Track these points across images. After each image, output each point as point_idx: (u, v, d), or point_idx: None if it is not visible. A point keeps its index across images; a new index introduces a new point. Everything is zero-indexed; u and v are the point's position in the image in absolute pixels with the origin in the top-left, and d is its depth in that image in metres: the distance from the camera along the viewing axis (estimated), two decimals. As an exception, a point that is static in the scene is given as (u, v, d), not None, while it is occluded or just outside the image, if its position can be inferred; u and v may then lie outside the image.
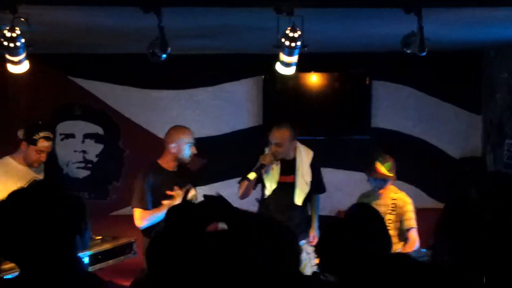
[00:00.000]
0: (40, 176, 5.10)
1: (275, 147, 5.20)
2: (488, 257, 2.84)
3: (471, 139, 7.40)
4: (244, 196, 5.25)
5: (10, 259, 2.21)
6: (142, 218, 4.75)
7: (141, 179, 4.82)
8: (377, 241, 2.96)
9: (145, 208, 4.76)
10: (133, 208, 4.83)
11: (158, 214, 4.61)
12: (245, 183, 5.21)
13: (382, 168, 4.99)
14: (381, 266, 2.50)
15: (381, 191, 5.07)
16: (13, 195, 2.17)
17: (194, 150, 4.87)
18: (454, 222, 3.13)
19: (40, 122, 5.20)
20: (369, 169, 5.06)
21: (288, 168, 5.28)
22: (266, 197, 5.32)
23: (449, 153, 7.38)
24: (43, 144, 4.91)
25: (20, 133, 4.95)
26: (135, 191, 4.82)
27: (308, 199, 5.35)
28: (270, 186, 5.29)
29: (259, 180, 5.33)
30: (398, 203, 5.07)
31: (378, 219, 3.09)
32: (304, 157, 5.31)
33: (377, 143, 6.79)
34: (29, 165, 4.97)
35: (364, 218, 3.04)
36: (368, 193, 5.21)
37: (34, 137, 4.88)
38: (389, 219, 4.95)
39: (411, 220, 5.03)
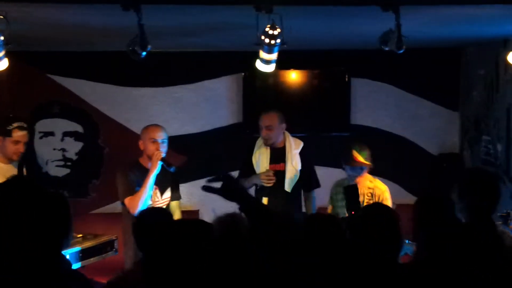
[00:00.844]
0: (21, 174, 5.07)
1: (266, 130, 5.33)
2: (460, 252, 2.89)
3: (449, 135, 7.48)
4: None
5: None
6: (134, 204, 4.70)
7: (122, 175, 4.84)
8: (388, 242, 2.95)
9: (132, 195, 4.75)
10: (123, 202, 4.78)
11: (146, 191, 4.68)
12: (245, 184, 5.27)
13: (359, 156, 5.07)
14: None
15: (357, 179, 5.10)
16: None
17: (158, 147, 4.83)
18: (426, 219, 3.18)
19: (11, 115, 5.19)
20: (346, 158, 5.13)
21: (278, 156, 5.38)
22: (258, 187, 5.39)
23: (427, 149, 7.46)
24: (17, 133, 4.87)
25: None
26: (120, 186, 4.81)
27: (300, 190, 5.43)
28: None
29: (252, 174, 5.37)
30: (376, 191, 5.14)
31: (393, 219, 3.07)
32: (292, 144, 5.41)
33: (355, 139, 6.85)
34: (9, 158, 4.93)
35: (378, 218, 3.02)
36: (341, 181, 5.25)
37: (8, 128, 4.85)
38: None
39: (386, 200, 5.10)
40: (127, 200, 4.74)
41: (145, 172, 4.81)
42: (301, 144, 5.46)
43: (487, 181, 3.57)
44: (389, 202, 5.10)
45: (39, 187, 2.18)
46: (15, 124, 4.88)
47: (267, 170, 5.33)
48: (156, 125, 4.99)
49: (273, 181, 5.29)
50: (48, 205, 2.15)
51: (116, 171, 4.94)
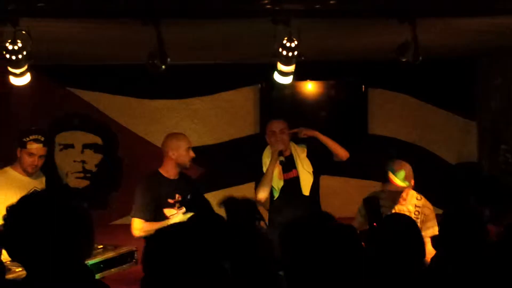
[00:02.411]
0: (41, 186, 5.11)
1: (280, 134, 5.32)
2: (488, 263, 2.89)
3: (466, 145, 7.46)
4: (264, 195, 5.31)
5: (20, 262, 2.24)
6: (140, 229, 4.74)
7: (142, 188, 4.83)
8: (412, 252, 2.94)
9: (144, 218, 4.76)
10: (132, 217, 4.83)
11: (155, 229, 4.63)
12: (264, 182, 5.26)
13: (396, 179, 4.89)
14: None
15: (403, 197, 5.00)
16: (21, 203, 2.20)
17: (192, 154, 4.88)
18: (454, 231, 3.17)
19: (32, 128, 5.23)
20: (384, 179, 4.91)
21: (288, 164, 5.39)
22: (275, 198, 5.41)
23: (445, 158, 7.44)
24: (32, 146, 4.89)
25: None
26: (136, 201, 4.83)
27: (318, 194, 5.43)
28: (277, 186, 5.38)
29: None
30: (424, 211, 5.01)
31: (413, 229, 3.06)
32: (298, 150, 5.45)
33: (374, 150, 6.86)
34: (25, 171, 4.97)
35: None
36: (378, 194, 5.08)
37: (24, 140, 4.89)
38: None
39: (436, 227, 4.95)
40: (135, 221, 4.73)
41: (166, 182, 4.84)
42: (305, 148, 5.48)
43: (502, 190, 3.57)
44: (435, 222, 4.98)
45: (61, 200, 2.23)
46: (31, 137, 4.91)
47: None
48: (182, 133, 5.04)
49: (290, 176, 5.30)
50: (71, 217, 2.20)
51: (137, 184, 4.95)
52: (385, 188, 4.94)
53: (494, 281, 2.87)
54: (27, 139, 4.87)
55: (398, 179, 4.87)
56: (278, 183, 5.40)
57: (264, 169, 5.44)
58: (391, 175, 4.87)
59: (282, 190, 5.39)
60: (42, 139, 4.96)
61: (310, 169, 5.39)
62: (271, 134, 5.37)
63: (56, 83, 7.13)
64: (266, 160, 5.48)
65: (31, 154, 4.91)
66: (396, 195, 4.94)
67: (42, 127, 6.47)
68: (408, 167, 4.91)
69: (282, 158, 5.31)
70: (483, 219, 3.28)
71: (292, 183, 5.36)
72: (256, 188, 5.43)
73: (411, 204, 4.96)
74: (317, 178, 5.41)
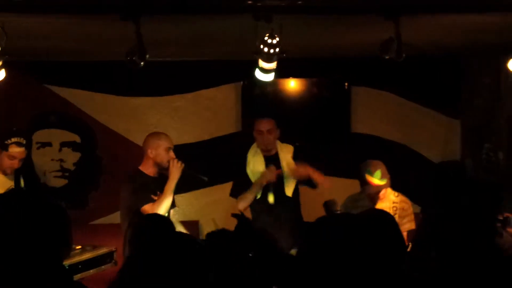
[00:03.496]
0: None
1: (268, 134, 5.32)
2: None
3: (450, 143, 7.45)
4: (245, 206, 5.34)
5: None
6: (155, 212, 4.69)
7: (130, 182, 4.83)
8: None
9: (151, 201, 4.73)
10: (142, 209, 4.73)
11: (166, 200, 4.70)
12: (249, 197, 5.30)
13: (374, 179, 4.90)
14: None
15: (381, 196, 4.97)
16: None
17: (172, 155, 4.86)
18: (445, 231, 3.13)
19: (14, 129, 5.19)
20: (362, 182, 4.96)
21: (272, 163, 5.35)
22: (258, 197, 5.37)
23: (428, 157, 7.43)
24: (14, 149, 4.89)
25: None
26: (133, 194, 4.76)
27: (299, 196, 5.40)
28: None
29: (249, 186, 5.36)
30: (402, 205, 5.00)
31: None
32: (284, 150, 5.42)
33: (357, 149, 6.82)
34: (3, 172, 4.94)
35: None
36: (357, 196, 5.11)
37: (6, 142, 4.86)
38: None
39: (413, 221, 5.00)
40: (147, 207, 4.68)
41: (147, 179, 4.81)
42: (292, 149, 5.45)
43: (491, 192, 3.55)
44: (413, 217, 5.01)
45: (38, 199, 2.20)
46: (13, 139, 4.89)
47: (269, 167, 5.29)
48: (164, 133, 5.03)
49: (275, 174, 5.25)
50: (47, 216, 2.16)
51: (122, 181, 4.90)
52: (366, 191, 4.95)
53: (488, 280, 2.84)
54: (9, 141, 4.85)
55: (377, 179, 4.92)
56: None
57: (248, 168, 5.41)
58: (368, 177, 4.93)
59: (265, 189, 5.36)
60: (24, 142, 4.96)
61: None
62: (258, 133, 5.37)
63: (32, 80, 7.01)
64: (250, 158, 5.44)
65: (12, 157, 4.90)
66: (375, 194, 4.98)
67: (19, 125, 6.40)
68: (381, 164, 4.99)
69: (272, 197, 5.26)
70: (473, 218, 3.26)
71: (275, 183, 5.33)
72: (238, 196, 5.40)
73: (389, 201, 5.01)
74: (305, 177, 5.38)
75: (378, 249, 2.76)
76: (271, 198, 5.25)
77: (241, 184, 5.42)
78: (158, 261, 2.20)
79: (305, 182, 5.36)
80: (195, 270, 2.27)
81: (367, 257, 2.61)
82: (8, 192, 2.28)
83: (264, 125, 5.36)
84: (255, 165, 5.40)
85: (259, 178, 5.33)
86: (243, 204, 5.36)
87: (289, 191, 5.37)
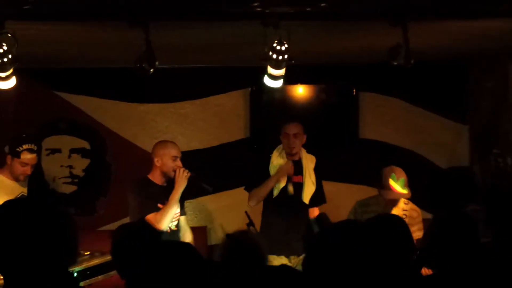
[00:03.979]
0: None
1: (294, 138, 5.38)
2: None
3: (458, 149, 7.44)
4: (257, 202, 5.43)
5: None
6: (159, 221, 4.70)
7: (136, 191, 4.83)
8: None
9: (155, 211, 4.74)
10: (146, 219, 4.75)
11: (170, 210, 4.71)
12: (263, 192, 5.35)
13: (397, 187, 4.81)
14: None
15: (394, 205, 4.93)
16: (3, 207, 2.17)
17: (178, 164, 4.85)
18: (444, 235, 3.13)
19: (24, 135, 5.19)
20: (382, 185, 4.88)
21: (295, 168, 5.41)
22: (274, 196, 5.40)
23: (436, 163, 7.41)
24: (26, 156, 4.90)
25: (6, 148, 4.94)
26: (139, 202, 4.77)
27: (311, 206, 5.43)
28: (278, 185, 5.38)
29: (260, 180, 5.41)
30: (411, 214, 4.97)
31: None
32: (308, 159, 5.50)
33: (365, 154, 6.83)
34: (16, 178, 4.95)
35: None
36: (368, 201, 5.09)
37: (17, 150, 4.87)
38: None
39: (421, 230, 4.96)
40: (151, 216, 4.69)
41: (155, 188, 4.81)
42: (315, 160, 5.52)
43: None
44: (422, 226, 4.97)
45: (45, 206, 2.20)
46: (24, 146, 4.90)
47: (287, 162, 5.34)
48: (172, 142, 5.04)
49: (292, 169, 5.32)
50: (53, 224, 2.16)
51: (128, 188, 4.90)
52: (384, 196, 4.89)
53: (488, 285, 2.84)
54: (21, 148, 4.87)
55: (400, 187, 4.83)
56: (280, 182, 5.41)
57: (271, 168, 5.43)
58: (392, 182, 4.83)
59: (282, 191, 5.40)
60: (35, 148, 4.97)
61: (314, 181, 5.44)
62: (285, 136, 5.41)
63: (42, 87, 7.04)
64: (274, 158, 5.47)
65: (24, 164, 4.91)
66: (394, 202, 4.91)
67: (29, 131, 6.42)
68: (404, 173, 4.90)
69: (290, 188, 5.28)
70: (476, 224, 3.25)
71: (294, 188, 5.37)
72: (251, 191, 5.43)
73: (399, 208, 4.96)
74: (316, 190, 5.45)
75: (389, 253, 2.77)
76: (290, 188, 5.31)
77: (258, 178, 5.43)
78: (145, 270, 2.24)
79: None
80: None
81: (378, 262, 2.62)
82: (14, 200, 2.31)
83: (292, 128, 5.41)
84: (278, 166, 5.41)
85: (275, 173, 5.34)
86: (255, 200, 5.41)
87: (306, 198, 5.42)
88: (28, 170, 4.95)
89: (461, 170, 7.30)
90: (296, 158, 5.47)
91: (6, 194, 4.67)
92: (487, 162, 6.97)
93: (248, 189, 5.51)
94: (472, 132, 7.36)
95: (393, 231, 3.00)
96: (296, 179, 5.44)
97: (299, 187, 5.42)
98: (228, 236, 3.45)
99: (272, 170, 5.43)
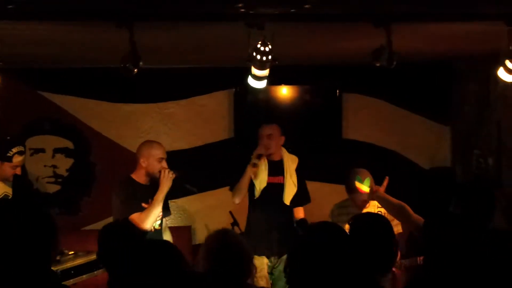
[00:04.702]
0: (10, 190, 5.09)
1: (267, 139, 5.40)
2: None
3: (440, 150, 7.51)
4: (240, 198, 5.44)
5: None
6: (143, 221, 4.69)
7: (120, 191, 4.82)
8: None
9: (139, 211, 4.73)
10: (130, 219, 4.74)
11: (154, 210, 4.68)
12: (239, 186, 5.37)
13: (363, 187, 4.91)
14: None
15: (367, 205, 4.99)
16: None
17: (164, 165, 4.86)
18: (436, 238, 3.17)
19: (8, 138, 5.21)
20: (351, 189, 4.98)
21: (276, 169, 5.44)
22: (255, 197, 5.42)
23: (419, 163, 7.48)
24: (17, 159, 4.97)
25: None
26: (123, 202, 4.77)
27: (293, 204, 5.44)
28: (259, 186, 5.41)
29: (249, 185, 5.43)
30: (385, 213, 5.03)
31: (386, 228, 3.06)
32: (290, 160, 5.48)
33: (349, 155, 6.87)
34: (4, 180, 4.98)
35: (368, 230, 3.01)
36: (345, 203, 5.14)
37: (8, 154, 4.91)
38: None
39: (399, 225, 5.02)
40: (135, 216, 4.69)
41: (138, 187, 4.81)
42: (297, 160, 5.53)
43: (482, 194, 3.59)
44: (399, 227, 5.03)
45: (25, 206, 2.25)
46: (15, 150, 4.95)
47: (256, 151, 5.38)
48: (158, 143, 5.01)
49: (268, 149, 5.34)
50: (33, 224, 2.21)
51: (113, 188, 4.89)
52: (356, 199, 4.97)
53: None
54: (11, 152, 4.93)
55: (366, 187, 4.91)
56: (261, 183, 5.43)
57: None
58: (358, 184, 4.92)
59: (264, 192, 5.42)
60: (24, 149, 5.02)
61: (296, 182, 5.45)
62: (260, 138, 5.45)
63: (26, 87, 7.03)
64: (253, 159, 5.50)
65: (15, 167, 4.96)
66: (364, 202, 5.00)
67: (12, 131, 6.41)
68: (368, 173, 4.99)
69: (256, 161, 5.34)
70: (463, 225, 3.29)
71: (275, 188, 5.40)
72: (232, 189, 5.48)
73: (373, 206, 5.03)
74: (298, 191, 5.47)
75: (371, 250, 2.81)
76: (256, 161, 5.32)
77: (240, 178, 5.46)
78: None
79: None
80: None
81: (359, 260, 2.66)
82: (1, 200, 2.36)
83: (266, 130, 5.46)
84: (259, 168, 5.43)
85: (249, 166, 5.35)
86: (236, 196, 5.44)
87: (287, 199, 5.44)
88: (18, 170, 5.00)
89: (443, 170, 7.37)
90: (276, 158, 5.49)
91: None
92: (468, 163, 7.04)
93: (231, 188, 5.53)
94: (454, 133, 7.43)
95: (376, 229, 3.04)
96: (277, 180, 5.46)
97: (280, 188, 5.43)
98: (211, 234, 3.47)
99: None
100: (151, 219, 4.70)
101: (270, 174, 5.45)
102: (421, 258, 4.28)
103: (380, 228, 3.05)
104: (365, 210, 5.01)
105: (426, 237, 3.27)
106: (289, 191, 5.45)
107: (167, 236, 5.06)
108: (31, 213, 2.23)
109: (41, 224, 2.23)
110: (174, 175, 4.81)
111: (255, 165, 5.36)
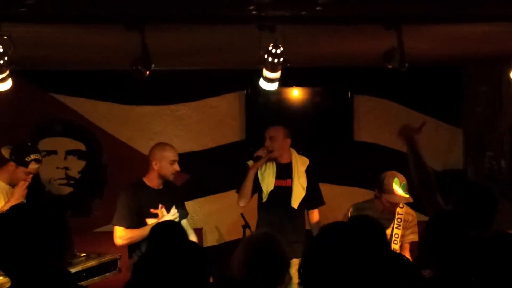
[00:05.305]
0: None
1: (269, 141, 5.39)
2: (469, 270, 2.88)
3: (452, 152, 7.47)
4: (245, 202, 5.39)
5: (4, 271, 2.34)
6: (122, 237, 4.70)
7: (124, 196, 4.79)
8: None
9: (126, 226, 4.71)
10: (113, 225, 4.77)
11: (140, 234, 4.59)
12: (242, 189, 5.38)
13: (401, 191, 4.77)
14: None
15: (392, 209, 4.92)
16: (9, 212, 2.33)
17: (176, 168, 4.84)
18: (438, 236, 3.16)
19: (28, 144, 5.24)
20: (385, 190, 4.85)
21: (284, 172, 5.41)
22: (263, 201, 5.41)
23: (431, 165, 7.41)
24: (33, 166, 4.97)
25: (5, 152, 4.94)
26: (118, 209, 4.79)
27: (304, 207, 5.42)
28: (266, 190, 5.39)
29: (257, 188, 5.39)
30: (407, 217, 4.97)
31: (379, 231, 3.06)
32: (299, 162, 5.45)
33: (360, 157, 6.85)
34: (13, 184, 4.96)
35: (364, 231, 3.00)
36: (363, 205, 5.06)
37: (26, 159, 4.91)
38: (396, 234, 4.90)
39: (416, 233, 4.97)
40: (116, 229, 4.69)
41: (149, 191, 4.80)
42: (307, 162, 5.49)
43: (485, 196, 3.57)
44: (416, 229, 4.99)
45: (40, 210, 2.32)
46: (32, 156, 4.96)
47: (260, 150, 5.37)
48: (170, 145, 4.99)
49: (267, 152, 5.33)
50: (47, 227, 2.29)
51: (120, 192, 4.90)
52: (386, 200, 4.88)
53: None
54: (29, 158, 4.93)
55: (403, 191, 4.83)
56: (268, 186, 5.41)
57: (259, 172, 5.45)
58: (395, 187, 4.81)
59: (271, 195, 5.39)
60: (41, 158, 5.05)
61: (305, 184, 5.41)
62: (265, 140, 5.43)
63: (39, 89, 7.07)
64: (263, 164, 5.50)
65: (29, 173, 4.97)
66: (389, 206, 4.91)
67: (25, 134, 6.45)
68: (405, 179, 4.89)
69: (250, 163, 5.33)
70: (464, 224, 3.27)
71: (283, 192, 5.37)
72: (238, 191, 5.46)
73: (394, 212, 4.97)
74: (310, 193, 5.42)
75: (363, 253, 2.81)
76: (250, 162, 5.37)
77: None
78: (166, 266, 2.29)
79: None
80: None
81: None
82: (18, 205, 2.49)
83: (268, 132, 5.43)
84: (266, 170, 5.42)
85: (253, 164, 5.34)
86: (241, 200, 5.40)
87: (295, 203, 5.39)
88: (30, 178, 5.00)
89: (455, 172, 7.34)
90: (285, 161, 5.45)
91: (3, 197, 4.73)
92: (481, 165, 7.01)
93: (237, 191, 5.51)
94: (466, 135, 7.40)
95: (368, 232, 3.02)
96: (284, 183, 5.41)
97: (288, 191, 5.39)
98: (252, 236, 3.43)
99: (260, 174, 5.44)
100: (132, 241, 4.68)
101: (278, 177, 5.41)
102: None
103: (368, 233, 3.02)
104: (386, 216, 4.92)
105: (428, 236, 3.26)
106: (297, 194, 5.39)
107: (192, 237, 5.01)
108: (43, 214, 2.30)
109: (54, 225, 2.30)
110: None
111: (249, 166, 5.35)
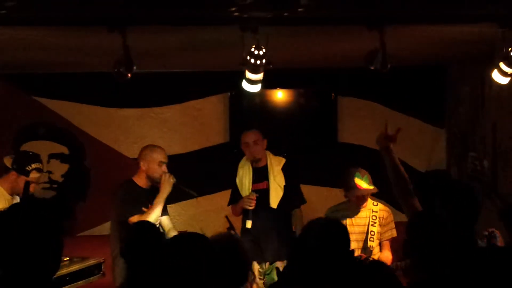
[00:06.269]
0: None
1: (254, 145, 5.35)
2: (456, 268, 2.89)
3: (435, 152, 7.51)
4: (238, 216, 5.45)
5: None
6: None
7: (124, 191, 4.87)
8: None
9: (140, 213, 4.74)
10: (129, 219, 4.74)
11: (153, 214, 4.73)
12: (235, 210, 5.43)
13: (363, 183, 4.90)
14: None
15: (363, 205, 5.00)
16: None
17: (165, 169, 4.89)
18: (420, 238, 3.17)
19: (30, 153, 5.25)
20: (349, 186, 4.92)
21: (260, 175, 5.40)
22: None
23: (414, 166, 7.46)
24: (34, 175, 4.98)
25: (7, 162, 4.95)
26: (123, 202, 4.78)
27: (287, 207, 5.41)
28: (244, 194, 5.37)
29: (239, 196, 5.41)
30: (382, 214, 5.01)
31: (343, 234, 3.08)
32: (273, 162, 5.44)
33: (344, 158, 6.86)
34: (16, 193, 4.96)
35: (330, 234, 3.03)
36: (338, 207, 5.11)
37: (27, 169, 4.91)
38: (372, 231, 4.93)
39: (393, 229, 5.02)
40: (135, 218, 4.69)
41: (139, 190, 4.84)
42: (283, 161, 5.47)
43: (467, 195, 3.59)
44: (393, 225, 5.04)
45: (33, 215, 2.35)
46: (33, 165, 4.97)
47: (250, 193, 5.33)
48: (160, 147, 5.05)
49: (253, 203, 5.27)
50: (43, 228, 2.31)
51: (114, 190, 4.91)
52: (351, 196, 4.96)
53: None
54: (30, 167, 4.95)
55: (366, 183, 4.91)
56: (244, 191, 5.40)
57: (237, 178, 5.44)
58: (357, 180, 4.90)
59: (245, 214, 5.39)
60: (42, 168, 5.06)
61: (282, 183, 5.40)
62: (245, 146, 5.39)
63: (21, 92, 7.02)
64: (240, 169, 5.48)
65: (30, 182, 4.96)
66: (362, 198, 4.98)
67: (7, 137, 6.39)
68: (367, 173, 4.98)
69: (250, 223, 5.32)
70: (447, 224, 3.28)
71: (261, 194, 5.34)
72: (231, 205, 5.45)
73: (368, 210, 5.02)
74: (289, 192, 5.40)
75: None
76: (248, 224, 5.28)
77: (236, 198, 5.47)
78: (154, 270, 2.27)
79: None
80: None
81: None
82: (13, 207, 2.44)
83: (250, 136, 5.40)
84: (243, 176, 5.43)
85: (240, 202, 5.36)
86: (234, 215, 5.43)
87: (273, 203, 5.37)
88: (32, 187, 4.99)
89: (439, 173, 7.37)
90: (261, 164, 5.43)
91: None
92: (464, 165, 7.04)
93: (229, 204, 5.54)
94: (450, 135, 7.43)
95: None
96: (261, 186, 5.41)
97: (265, 193, 5.38)
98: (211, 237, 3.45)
99: (238, 181, 5.43)
100: (151, 221, 4.70)
101: (254, 181, 5.41)
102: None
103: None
104: (362, 209, 4.99)
105: (409, 237, 3.27)
106: (275, 195, 5.37)
107: (173, 233, 5.02)
108: (42, 223, 2.32)
109: (51, 231, 2.33)
110: (174, 180, 4.84)
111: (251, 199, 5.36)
